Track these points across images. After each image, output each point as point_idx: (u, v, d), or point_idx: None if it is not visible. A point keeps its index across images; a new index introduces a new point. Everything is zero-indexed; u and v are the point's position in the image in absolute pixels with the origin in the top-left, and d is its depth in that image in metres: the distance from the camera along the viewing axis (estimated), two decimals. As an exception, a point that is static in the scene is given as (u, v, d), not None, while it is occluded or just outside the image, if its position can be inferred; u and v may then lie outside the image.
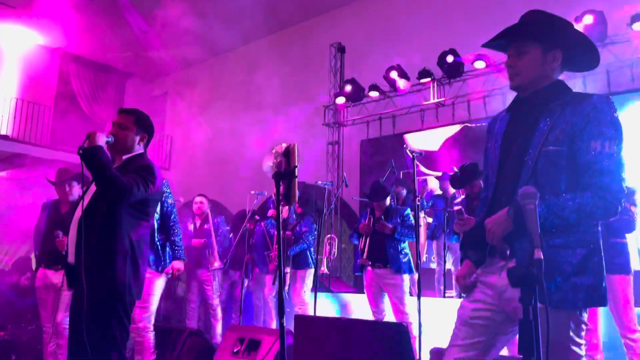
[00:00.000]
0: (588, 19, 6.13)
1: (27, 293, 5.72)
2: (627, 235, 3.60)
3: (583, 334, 1.58)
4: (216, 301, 5.75)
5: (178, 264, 3.74)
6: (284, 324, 1.85)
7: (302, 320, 3.04)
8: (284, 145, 6.97)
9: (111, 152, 2.58)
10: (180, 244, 3.66)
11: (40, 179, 11.11)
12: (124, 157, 2.65)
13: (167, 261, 3.64)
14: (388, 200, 4.81)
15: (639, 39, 6.24)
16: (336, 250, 7.90)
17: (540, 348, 1.20)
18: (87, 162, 2.33)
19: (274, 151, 7.17)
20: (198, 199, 6.02)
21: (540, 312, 1.20)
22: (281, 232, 5.68)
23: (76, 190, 4.14)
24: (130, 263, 2.42)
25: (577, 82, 6.85)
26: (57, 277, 4.00)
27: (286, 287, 5.24)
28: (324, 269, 7.32)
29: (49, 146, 11.42)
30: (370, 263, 4.62)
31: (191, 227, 5.98)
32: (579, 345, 1.58)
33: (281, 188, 1.99)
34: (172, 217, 3.71)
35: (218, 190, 9.96)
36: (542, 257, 1.19)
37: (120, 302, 2.38)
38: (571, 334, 1.57)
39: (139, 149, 2.73)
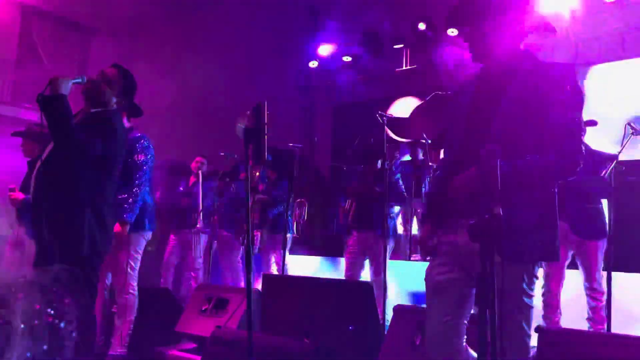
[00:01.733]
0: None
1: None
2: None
3: (534, 286, 1.68)
4: (198, 264, 5.64)
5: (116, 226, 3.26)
6: (251, 281, 1.88)
7: (270, 280, 3.09)
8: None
9: (84, 97, 2.49)
10: (129, 205, 3.35)
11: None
12: (93, 110, 2.55)
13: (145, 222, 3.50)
14: (379, 163, 4.75)
15: (609, 11, 6.27)
16: (306, 214, 7.95)
17: (495, 299, 1.26)
18: (46, 111, 2.24)
19: (247, 113, 7.04)
20: (199, 159, 5.91)
21: (497, 266, 1.26)
22: (255, 196, 5.66)
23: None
24: (93, 215, 2.38)
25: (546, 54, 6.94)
26: None
27: (255, 249, 5.27)
28: (294, 232, 7.38)
29: (11, 103, 10.96)
30: (355, 226, 4.61)
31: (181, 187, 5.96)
32: (530, 296, 1.69)
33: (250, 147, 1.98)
34: (136, 174, 3.47)
35: (190, 151, 9.81)
36: (501, 213, 1.23)
37: (81, 252, 2.32)
38: (524, 286, 1.66)
39: (110, 108, 2.64)
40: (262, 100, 1.93)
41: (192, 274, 5.63)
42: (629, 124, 3.28)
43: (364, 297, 2.65)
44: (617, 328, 3.37)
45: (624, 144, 3.28)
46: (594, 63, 6.62)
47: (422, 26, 7.58)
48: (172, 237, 5.78)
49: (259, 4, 10.33)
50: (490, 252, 1.23)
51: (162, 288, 3.87)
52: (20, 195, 3.73)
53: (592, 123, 3.47)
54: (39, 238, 2.35)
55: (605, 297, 3.62)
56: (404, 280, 5.01)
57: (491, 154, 1.35)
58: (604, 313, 3.60)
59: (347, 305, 2.75)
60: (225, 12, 11.08)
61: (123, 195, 3.29)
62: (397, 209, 6.93)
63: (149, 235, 3.66)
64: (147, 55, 12.81)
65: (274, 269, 5.36)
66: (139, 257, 3.55)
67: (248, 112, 6.79)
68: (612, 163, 3.21)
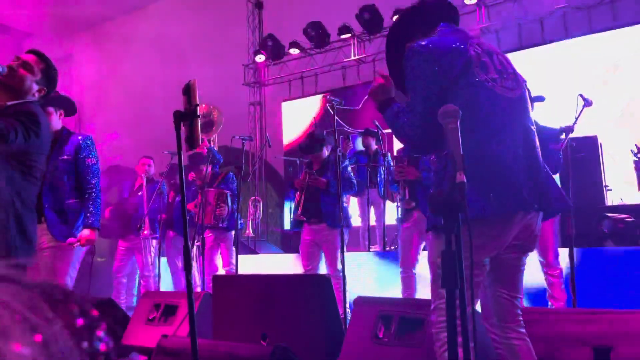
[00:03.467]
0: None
1: None
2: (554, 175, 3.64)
3: None
4: (147, 271, 5.31)
5: (86, 233, 3.15)
6: (191, 280, 1.67)
7: (220, 281, 2.87)
8: (207, 106, 6.47)
9: (2, 89, 2.20)
10: (94, 210, 3.12)
11: None
12: (9, 102, 2.26)
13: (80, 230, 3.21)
14: (325, 152, 4.59)
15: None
16: (261, 213, 7.73)
17: (465, 279, 1.11)
18: None
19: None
20: (145, 160, 5.55)
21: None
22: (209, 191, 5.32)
23: None
24: (14, 220, 2.10)
25: (490, 37, 7.01)
26: None
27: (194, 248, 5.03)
28: (249, 231, 7.14)
29: None
30: (305, 219, 4.44)
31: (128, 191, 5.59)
32: None
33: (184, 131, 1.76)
34: (89, 178, 3.23)
35: (135, 154, 9.39)
36: (465, 180, 1.08)
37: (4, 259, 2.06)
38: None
39: (31, 99, 2.35)
40: (193, 79, 1.71)
41: (142, 281, 5.32)
42: (580, 95, 3.25)
43: (321, 292, 2.48)
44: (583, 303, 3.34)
45: (577, 116, 3.24)
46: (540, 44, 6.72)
47: (367, 15, 7.48)
48: (120, 243, 5.45)
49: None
50: (454, 226, 1.07)
51: (106, 299, 3.55)
52: None
53: (539, 99, 3.42)
54: None
55: (562, 273, 3.59)
56: (363, 272, 4.88)
57: (446, 113, 1.21)
58: (562, 289, 3.57)
59: (304, 301, 2.57)
60: (164, 9, 10.69)
61: (73, 200, 3.02)
62: (351, 199, 6.83)
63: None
64: (83, 56, 12.25)
65: (221, 269, 5.10)
66: (78, 267, 3.25)
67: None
68: (567, 135, 3.16)
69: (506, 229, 1.53)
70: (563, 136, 3.24)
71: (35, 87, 2.33)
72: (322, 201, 4.38)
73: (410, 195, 3.92)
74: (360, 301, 2.43)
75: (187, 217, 5.08)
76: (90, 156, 3.24)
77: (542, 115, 3.58)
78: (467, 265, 1.15)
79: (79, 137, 3.27)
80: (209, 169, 5.05)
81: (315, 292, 2.47)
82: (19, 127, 2.06)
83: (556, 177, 3.70)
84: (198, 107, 1.70)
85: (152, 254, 5.32)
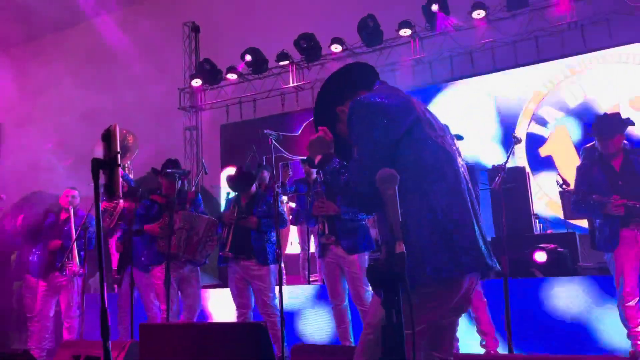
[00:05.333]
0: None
1: None
2: None
3: None
4: (74, 312, 4.91)
5: None
6: (107, 328, 1.53)
7: (148, 330, 2.66)
8: (119, 129, 6.10)
9: None
10: None
11: None
12: None
13: None
14: (254, 187, 4.50)
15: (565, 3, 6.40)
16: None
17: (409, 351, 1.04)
18: None
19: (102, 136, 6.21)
20: (69, 192, 5.11)
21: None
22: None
23: None
24: None
25: (507, 49, 7.10)
26: None
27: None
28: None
29: None
30: (232, 255, 4.27)
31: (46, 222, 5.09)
32: None
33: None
34: None
35: (62, 182, 8.84)
36: (405, 251, 1.02)
37: None
38: None
39: None
40: (113, 124, 1.57)
41: (66, 324, 4.89)
42: (512, 135, 3.36)
43: (258, 340, 2.34)
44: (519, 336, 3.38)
45: (509, 154, 3.35)
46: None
47: (304, 43, 7.51)
48: (41, 284, 4.98)
49: (135, 21, 9.71)
50: (395, 300, 1.00)
51: (21, 352, 3.22)
52: None
53: (459, 137, 3.49)
54: None
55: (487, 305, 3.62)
56: (303, 304, 4.76)
57: (382, 179, 1.16)
58: (490, 322, 3.60)
59: (240, 350, 2.42)
60: (98, 29, 10.28)
61: None
62: (290, 227, 6.72)
63: None
64: (3, 79, 11.52)
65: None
66: None
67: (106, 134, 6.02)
68: (501, 175, 3.24)
69: (454, 292, 1.48)
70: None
71: None
72: (252, 237, 4.25)
73: (329, 230, 3.92)
74: (299, 350, 2.32)
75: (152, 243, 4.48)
76: None
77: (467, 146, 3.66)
78: (409, 334, 1.09)
79: None
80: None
81: (251, 341, 2.34)
82: None
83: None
84: (118, 156, 1.55)
85: (77, 293, 4.93)
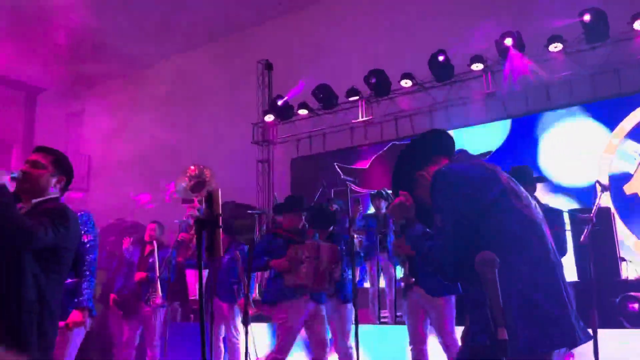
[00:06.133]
0: (587, 17, 6.12)
1: None
2: None
3: None
4: (157, 341, 5.13)
5: (75, 315, 3.01)
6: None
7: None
8: (197, 167, 6.31)
9: (21, 193, 2.22)
10: (87, 291, 3.05)
11: None
12: (34, 200, 2.28)
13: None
14: (331, 228, 4.56)
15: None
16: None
17: None
18: None
19: (188, 173, 6.52)
20: (152, 225, 5.43)
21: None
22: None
23: None
24: (37, 323, 2.07)
25: (496, 103, 7.08)
26: None
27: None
28: (255, 294, 7.02)
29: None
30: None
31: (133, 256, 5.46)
32: None
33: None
34: (86, 257, 3.18)
35: (144, 212, 9.39)
36: (507, 338, 1.04)
37: None
38: None
39: (53, 192, 2.39)
40: (214, 188, 1.70)
41: (149, 352, 5.16)
42: (597, 181, 3.24)
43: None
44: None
45: (596, 204, 3.22)
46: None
47: (374, 79, 7.62)
48: (127, 313, 5.30)
49: (211, 59, 10.28)
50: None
51: None
52: None
53: (542, 179, 3.42)
54: None
55: None
56: (377, 346, 4.74)
57: (482, 261, 1.18)
58: None
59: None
60: (174, 68, 10.97)
61: (84, 282, 2.97)
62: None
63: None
64: (93, 114, 12.49)
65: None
66: (74, 352, 3.13)
67: (188, 172, 6.23)
68: (589, 227, 3.12)
69: None
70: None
71: (53, 180, 2.37)
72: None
73: (410, 271, 3.84)
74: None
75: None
76: (88, 233, 3.13)
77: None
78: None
79: (79, 213, 3.25)
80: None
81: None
82: (49, 225, 2.09)
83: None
84: (220, 217, 1.68)
85: (159, 323, 5.19)
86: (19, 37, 9.48)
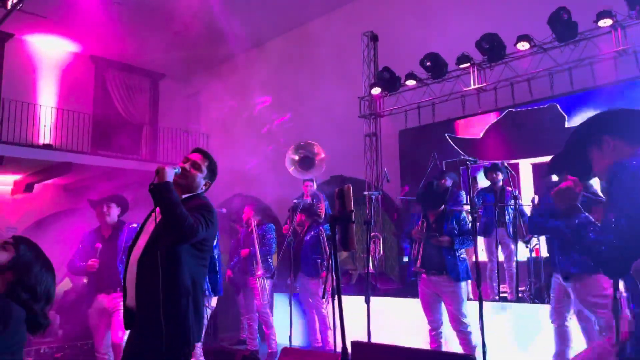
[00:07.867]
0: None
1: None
2: None
3: None
4: (266, 309, 5.88)
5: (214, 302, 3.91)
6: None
7: (359, 347, 2.91)
8: (306, 142, 6.65)
9: (175, 186, 2.50)
10: (215, 280, 3.85)
11: (85, 187, 11.27)
12: (184, 195, 2.55)
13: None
14: (443, 206, 4.54)
15: None
16: (381, 248, 7.74)
17: None
18: (158, 198, 2.27)
19: (295, 145, 7.04)
20: (248, 209, 6.20)
21: None
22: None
23: (114, 211, 4.13)
24: (193, 304, 2.34)
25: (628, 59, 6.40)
26: (109, 300, 4.03)
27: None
28: (370, 267, 7.18)
29: (90, 152, 11.64)
30: (424, 271, 4.39)
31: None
32: None
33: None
34: (215, 252, 3.75)
35: (257, 190, 9.93)
36: None
37: (186, 346, 2.30)
38: None
39: (200, 191, 2.67)
40: (347, 185, 1.78)
41: (262, 319, 5.97)
42: None
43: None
44: None
45: None
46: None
47: (486, 44, 7.24)
48: (241, 284, 6.20)
49: (320, 33, 10.41)
50: None
51: (249, 354, 3.96)
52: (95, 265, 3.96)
53: None
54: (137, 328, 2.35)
55: None
56: (493, 325, 4.65)
57: None
58: None
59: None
60: (284, 45, 11.25)
61: (212, 273, 3.57)
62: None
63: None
64: (208, 95, 13.26)
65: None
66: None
67: (302, 143, 6.65)
68: None
69: None
70: None
71: (202, 182, 2.64)
72: (445, 254, 4.30)
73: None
74: None
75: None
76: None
77: None
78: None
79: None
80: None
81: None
82: (203, 221, 2.33)
83: None
84: (352, 214, 1.76)
85: (267, 293, 5.85)
86: (143, 27, 10.30)
